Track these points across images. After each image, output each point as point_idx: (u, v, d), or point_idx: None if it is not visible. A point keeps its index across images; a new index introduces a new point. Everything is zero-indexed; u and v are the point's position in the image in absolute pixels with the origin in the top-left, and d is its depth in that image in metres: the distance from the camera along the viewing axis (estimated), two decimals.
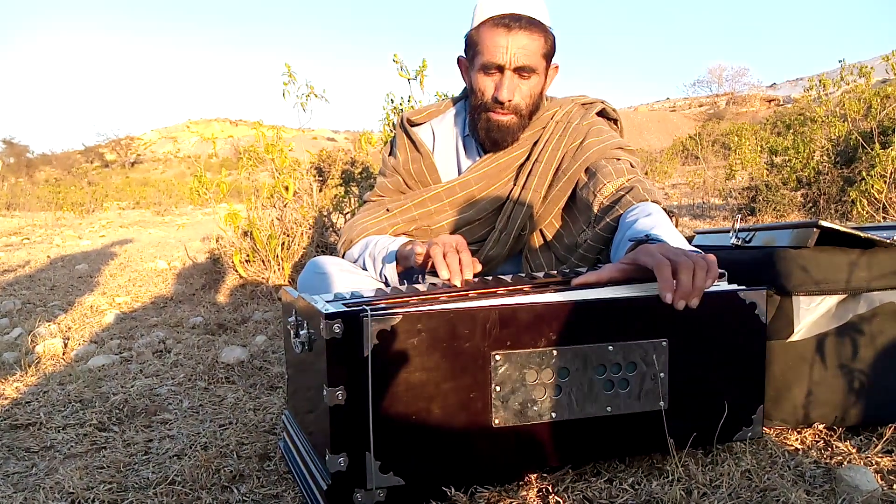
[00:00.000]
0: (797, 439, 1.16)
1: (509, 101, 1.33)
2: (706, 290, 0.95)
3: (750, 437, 1.10)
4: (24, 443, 1.38)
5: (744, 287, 1.07)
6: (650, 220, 1.15)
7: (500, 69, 1.32)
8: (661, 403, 1.03)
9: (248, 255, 3.15)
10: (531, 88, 1.35)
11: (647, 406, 1.02)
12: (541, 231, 1.43)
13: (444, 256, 1.10)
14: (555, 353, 0.97)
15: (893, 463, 1.05)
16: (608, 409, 1.01)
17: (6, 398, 1.68)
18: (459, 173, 1.47)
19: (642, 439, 1.04)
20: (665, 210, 1.24)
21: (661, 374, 1.02)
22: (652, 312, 1.01)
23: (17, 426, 1.48)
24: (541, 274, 1.14)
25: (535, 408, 0.98)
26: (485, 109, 1.36)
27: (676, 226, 1.22)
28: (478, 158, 1.45)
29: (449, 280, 1.07)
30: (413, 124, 1.50)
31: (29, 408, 1.59)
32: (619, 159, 1.36)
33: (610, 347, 1.00)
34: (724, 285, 1.08)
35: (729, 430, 1.08)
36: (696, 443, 1.06)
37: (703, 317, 1.02)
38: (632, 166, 1.36)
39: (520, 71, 1.32)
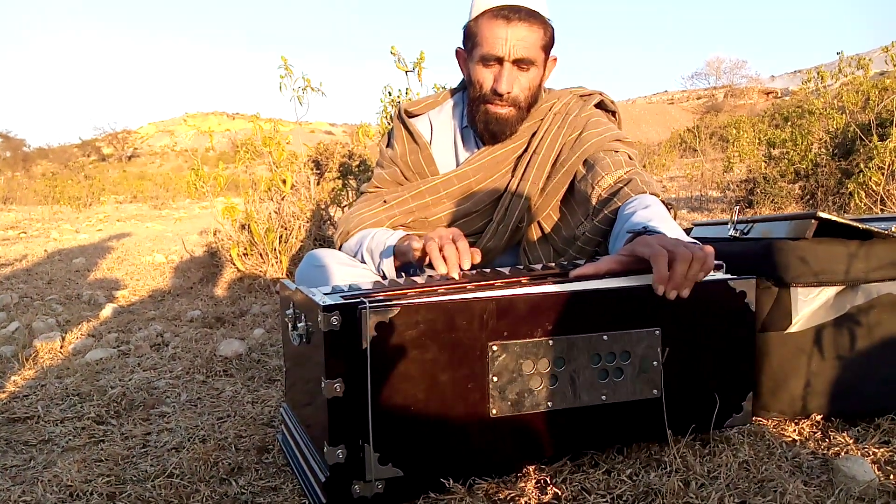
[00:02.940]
0: (795, 430, 1.16)
1: (508, 93, 1.33)
2: (697, 280, 0.96)
3: (740, 424, 1.12)
4: (22, 436, 1.38)
5: (734, 276, 1.09)
6: (648, 211, 1.15)
7: (499, 61, 1.31)
8: (655, 391, 1.05)
9: (245, 249, 3.15)
10: (530, 80, 1.35)
11: (641, 394, 1.04)
12: (539, 223, 1.43)
13: (441, 250, 1.09)
14: (551, 342, 0.98)
15: (890, 453, 1.05)
16: (603, 397, 1.02)
17: (4, 392, 1.68)
18: (458, 165, 1.46)
19: (637, 427, 1.05)
20: (663, 202, 1.23)
21: (655, 363, 1.04)
22: (645, 302, 1.02)
23: (14, 419, 1.48)
24: (539, 266, 1.14)
25: (531, 398, 0.98)
26: (483, 101, 1.35)
27: (674, 218, 1.22)
28: (476, 150, 1.44)
29: (447, 273, 1.07)
30: (411, 115, 1.50)
31: (27, 401, 1.59)
32: (617, 151, 1.35)
33: (605, 337, 1.01)
34: (719, 276, 1.09)
35: (719, 416, 1.10)
36: (687, 429, 1.08)
37: (694, 306, 1.03)
38: (630, 158, 1.36)
39: (519, 63, 1.31)
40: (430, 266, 1.14)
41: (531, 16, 1.30)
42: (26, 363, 1.94)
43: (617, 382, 1.02)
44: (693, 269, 0.94)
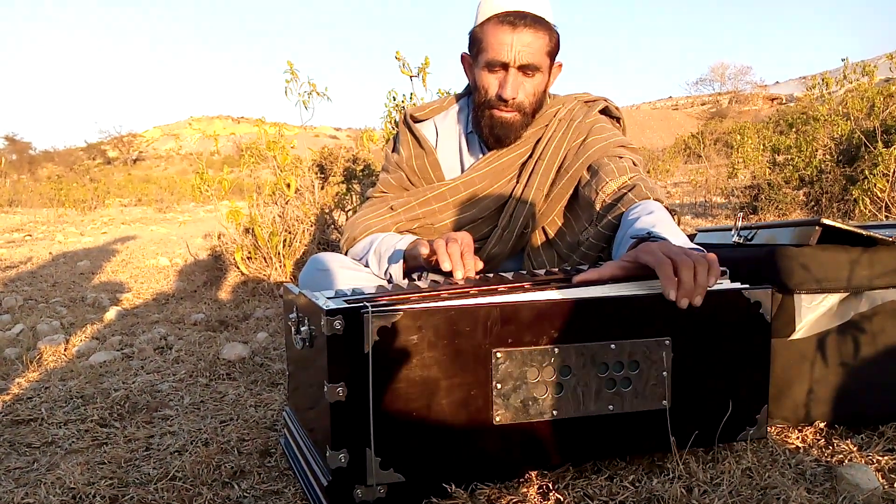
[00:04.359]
0: (798, 437, 1.16)
1: (513, 98, 1.33)
2: (710, 289, 0.95)
3: (754, 437, 1.09)
4: (25, 438, 1.38)
5: (748, 286, 1.06)
6: (652, 217, 1.15)
7: (505, 67, 1.32)
8: (665, 402, 1.03)
9: (249, 252, 3.15)
10: (535, 86, 1.35)
11: (649, 405, 1.02)
12: (543, 229, 1.43)
13: (447, 247, 1.10)
14: (556, 350, 0.97)
15: (894, 461, 1.05)
16: (610, 407, 1.01)
17: (8, 394, 1.69)
18: (462, 170, 1.47)
19: (645, 438, 1.04)
20: (667, 208, 1.23)
21: (664, 373, 1.02)
22: (655, 311, 1.00)
23: (18, 421, 1.48)
24: (542, 271, 1.14)
25: (536, 405, 0.98)
26: (488, 107, 1.36)
27: (678, 224, 1.22)
28: (480, 156, 1.45)
29: (451, 271, 1.08)
30: (416, 120, 1.50)
31: (30, 403, 1.60)
32: (621, 157, 1.35)
33: (612, 346, 0.99)
34: (726, 283, 1.08)
35: (733, 429, 1.07)
36: (699, 442, 1.06)
37: (706, 315, 1.01)
38: (634, 164, 1.36)
39: (524, 69, 1.32)
40: (437, 270, 1.15)
41: (537, 22, 1.30)
42: (30, 365, 1.95)
43: (624, 392, 1.01)
44: (700, 274, 0.92)
